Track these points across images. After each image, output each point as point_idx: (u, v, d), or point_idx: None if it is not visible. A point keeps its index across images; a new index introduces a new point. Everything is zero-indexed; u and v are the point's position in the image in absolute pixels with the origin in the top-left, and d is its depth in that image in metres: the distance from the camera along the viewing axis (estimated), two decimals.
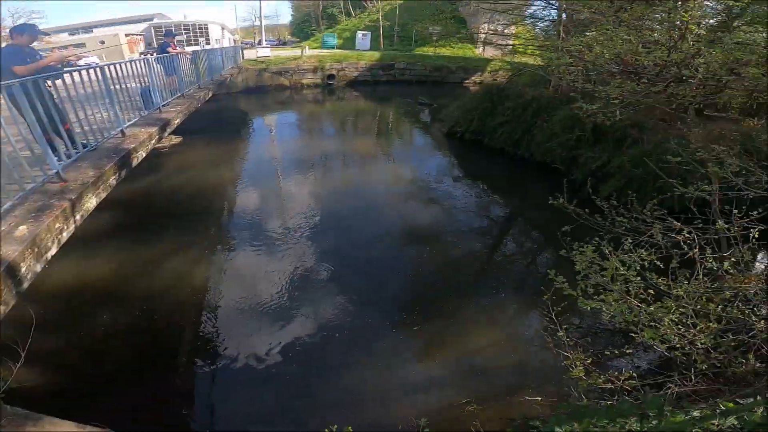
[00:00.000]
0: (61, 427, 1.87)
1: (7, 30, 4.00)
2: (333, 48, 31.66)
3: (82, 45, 28.62)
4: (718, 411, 1.53)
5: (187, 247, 5.81)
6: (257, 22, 34.19)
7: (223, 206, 7.41)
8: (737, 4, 4.69)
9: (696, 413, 1.58)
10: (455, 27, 30.14)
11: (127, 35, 34.22)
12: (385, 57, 25.99)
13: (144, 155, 4.87)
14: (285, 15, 56.26)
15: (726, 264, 2.95)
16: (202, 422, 3.41)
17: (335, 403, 3.54)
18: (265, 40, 32.41)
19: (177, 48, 8.72)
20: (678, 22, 3.95)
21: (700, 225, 3.24)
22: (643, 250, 3.19)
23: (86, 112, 4.25)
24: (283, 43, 45.75)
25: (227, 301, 4.78)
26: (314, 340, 4.18)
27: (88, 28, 38.56)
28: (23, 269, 2.76)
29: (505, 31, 27.67)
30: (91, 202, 3.52)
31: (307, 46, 28.11)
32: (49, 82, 3.94)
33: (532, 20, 18.86)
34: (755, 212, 3.01)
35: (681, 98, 4.35)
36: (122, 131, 4.76)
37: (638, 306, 2.87)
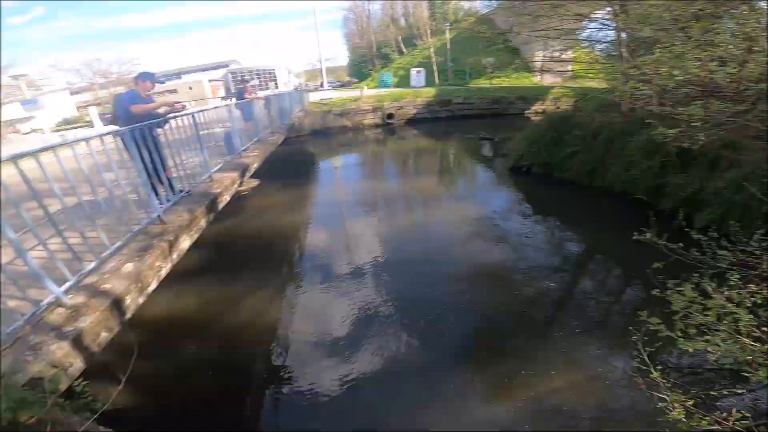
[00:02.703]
0: None
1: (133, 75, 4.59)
2: (389, 87, 32.36)
3: (174, 91, 31.68)
4: None
5: (264, 286, 6.15)
6: (318, 65, 36.63)
7: (295, 248, 7.80)
8: None
9: None
10: (509, 57, 29.84)
11: (210, 81, 38.45)
12: (442, 93, 26.13)
13: (228, 199, 5.30)
14: (343, 57, 59.56)
15: None
16: None
17: None
18: (327, 82, 34.03)
19: (252, 93, 9.54)
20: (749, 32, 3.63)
21: None
22: (753, 285, 2.83)
23: (181, 158, 4.75)
24: (343, 85, 47.96)
25: (296, 336, 4.97)
26: (377, 376, 4.15)
27: (177, 74, 43.45)
28: (128, 301, 3.08)
29: (563, 56, 26.75)
30: (186, 243, 3.87)
31: (365, 87, 29.01)
32: (160, 129, 4.47)
33: (589, 43, 18.10)
34: None
35: None
36: (210, 176, 5.24)
37: (752, 345, 2.58)
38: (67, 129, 26.49)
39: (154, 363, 4.51)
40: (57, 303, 2.72)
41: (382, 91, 28.41)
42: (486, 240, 7.42)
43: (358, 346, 4.64)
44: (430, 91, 26.42)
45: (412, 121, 23.88)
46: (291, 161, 15.48)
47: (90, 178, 3.08)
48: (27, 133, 29.28)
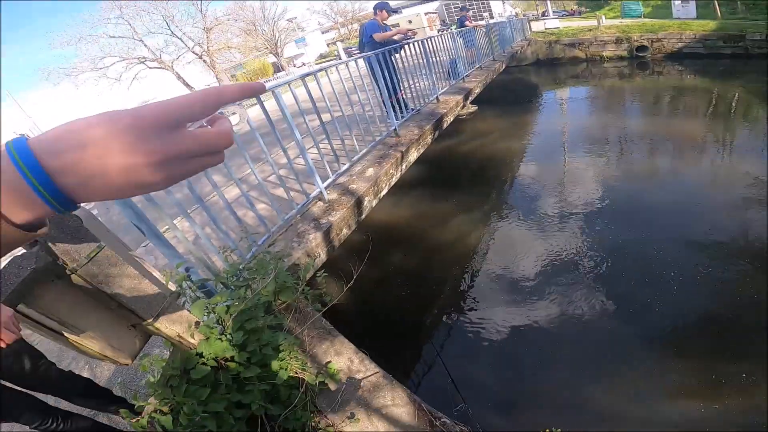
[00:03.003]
0: (345, 347, 2.08)
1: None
2: (638, 17, 26.44)
3: (395, 25, 34.12)
4: None
5: (471, 209, 6.04)
6: None
7: (506, 176, 7.34)
8: None
9: None
10: None
11: (426, 14, 39.32)
12: (728, 26, 19.51)
13: (451, 120, 5.33)
14: None
15: None
16: (425, 362, 3.60)
17: (548, 405, 3.02)
18: (552, 11, 30.55)
19: (472, 22, 9.17)
20: None
21: None
22: None
23: (412, 82, 5.04)
24: (571, 14, 41.72)
25: (487, 268, 4.75)
26: (553, 331, 3.65)
27: (398, 9, 45.90)
28: (365, 203, 3.43)
29: None
30: (413, 156, 4.10)
31: (602, 16, 24.64)
32: (397, 55, 4.79)
33: None
34: None
35: None
36: (437, 98, 5.34)
37: None
38: (323, 62, 32.08)
39: (367, 264, 5.13)
40: (318, 197, 3.24)
41: (627, 21, 23.72)
42: None
43: (545, 294, 4.08)
44: (708, 24, 20.24)
45: (675, 56, 18.61)
46: (511, 90, 14.35)
47: (348, 98, 3.66)
48: (299, 67, 36.70)
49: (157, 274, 1.93)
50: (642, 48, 19.14)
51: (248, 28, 30.28)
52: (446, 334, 3.96)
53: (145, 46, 25.03)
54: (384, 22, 4.97)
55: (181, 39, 25.94)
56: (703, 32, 19.07)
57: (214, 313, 1.70)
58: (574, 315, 3.81)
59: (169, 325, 1.69)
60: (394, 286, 4.68)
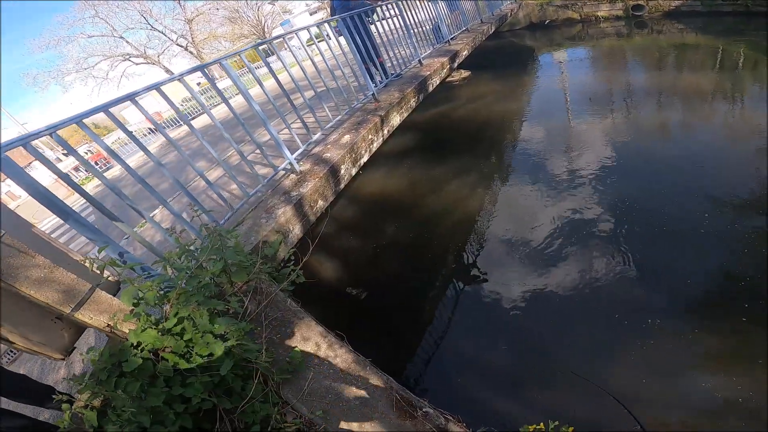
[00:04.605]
0: (313, 331, 1.86)
1: None
2: None
3: None
4: None
5: (469, 172, 5.77)
6: None
7: (506, 137, 6.98)
8: None
9: None
10: None
11: None
12: None
13: (438, 82, 5.00)
14: None
15: None
16: (428, 346, 3.40)
17: (567, 386, 2.75)
18: None
19: None
20: None
21: None
22: None
23: (392, 48, 4.76)
24: None
25: (492, 233, 4.47)
26: (568, 301, 3.39)
27: None
28: (342, 171, 3.15)
29: None
30: (396, 120, 3.81)
31: None
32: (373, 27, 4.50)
33: None
34: None
35: None
36: (420, 61, 5.02)
37: None
38: (312, 43, 31.36)
39: (358, 238, 4.88)
40: (291, 170, 2.97)
41: None
42: None
43: (559, 260, 3.79)
44: None
45: (673, 15, 17.77)
46: (505, 54, 13.94)
47: (319, 74, 3.49)
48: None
49: (79, 259, 1.69)
50: (638, 7, 18.38)
51: (232, 16, 29.42)
52: (452, 303, 3.76)
53: (127, 42, 24.40)
54: None
55: (163, 33, 25.25)
56: None
57: (144, 300, 1.45)
58: (587, 282, 3.53)
59: (95, 316, 1.45)
60: (392, 256, 4.47)
